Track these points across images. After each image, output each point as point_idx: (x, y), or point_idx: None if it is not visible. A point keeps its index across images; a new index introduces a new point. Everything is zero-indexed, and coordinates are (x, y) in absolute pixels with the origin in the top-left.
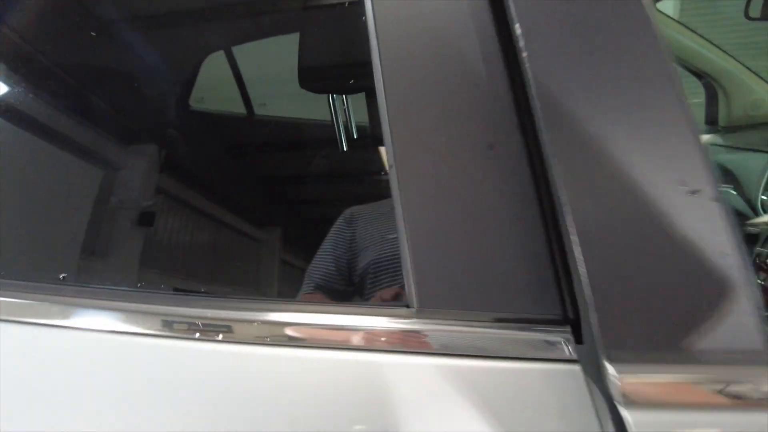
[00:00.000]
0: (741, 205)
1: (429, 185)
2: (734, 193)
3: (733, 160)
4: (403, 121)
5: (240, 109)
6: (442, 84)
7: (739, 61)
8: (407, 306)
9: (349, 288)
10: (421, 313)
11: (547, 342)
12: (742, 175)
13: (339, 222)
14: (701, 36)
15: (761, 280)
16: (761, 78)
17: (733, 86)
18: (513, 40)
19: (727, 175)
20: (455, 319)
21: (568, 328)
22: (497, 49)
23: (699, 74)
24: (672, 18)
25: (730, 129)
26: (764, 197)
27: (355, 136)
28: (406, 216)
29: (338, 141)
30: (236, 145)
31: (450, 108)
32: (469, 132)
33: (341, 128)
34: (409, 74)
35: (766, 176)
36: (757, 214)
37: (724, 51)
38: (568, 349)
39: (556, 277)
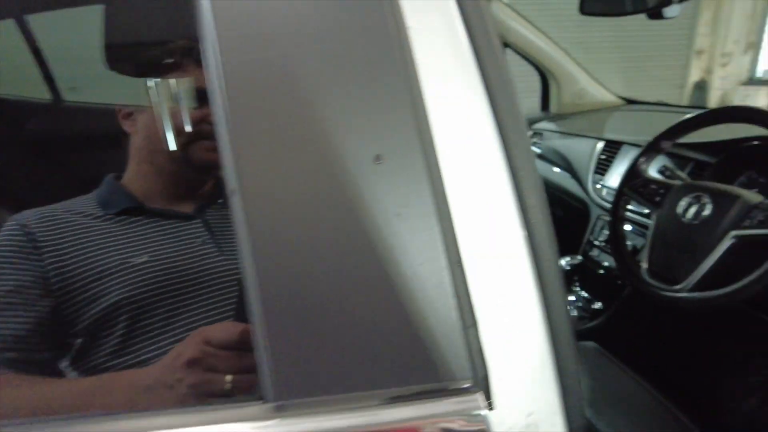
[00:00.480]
0: (575, 187)
1: (290, 223)
2: (567, 174)
3: (565, 144)
4: (248, 127)
5: (41, 93)
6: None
7: (567, 53)
8: (261, 399)
9: (60, 353)
10: (282, 410)
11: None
12: (573, 158)
13: (9, 243)
14: (538, 29)
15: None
16: (584, 69)
17: (562, 76)
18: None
19: (561, 159)
20: (330, 409)
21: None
22: None
23: (535, 64)
24: (515, 10)
25: (561, 116)
26: (594, 180)
27: (189, 129)
28: (258, 267)
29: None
30: (36, 137)
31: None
32: (353, 144)
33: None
34: (257, 64)
35: (593, 160)
36: (588, 195)
37: (555, 43)
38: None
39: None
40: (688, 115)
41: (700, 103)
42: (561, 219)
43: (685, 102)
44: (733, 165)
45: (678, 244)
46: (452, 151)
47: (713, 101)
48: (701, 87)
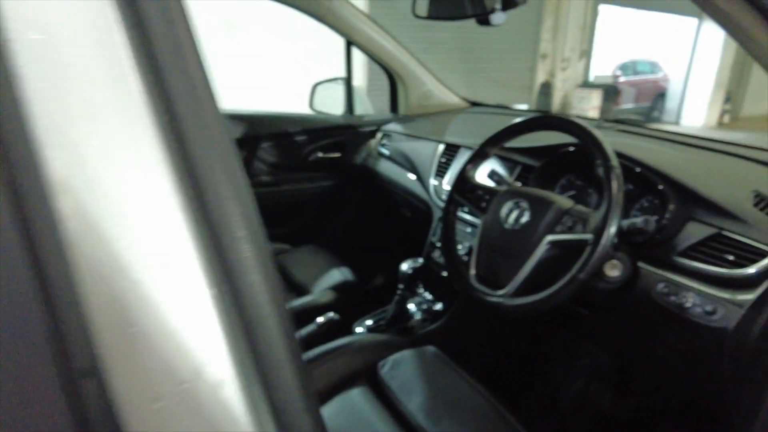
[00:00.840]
0: (420, 189)
1: None
2: (413, 177)
3: (410, 146)
4: None
5: None
6: None
7: (413, 55)
8: None
9: None
10: None
11: None
12: (417, 161)
13: None
14: (387, 32)
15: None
16: (429, 71)
17: (408, 78)
18: None
19: (407, 161)
20: None
21: None
22: None
23: (382, 65)
24: (363, 13)
25: (409, 117)
26: (435, 182)
27: None
28: None
29: None
30: None
31: None
32: None
33: None
34: None
35: (434, 162)
36: (429, 197)
37: (401, 44)
38: None
39: None
40: (509, 124)
41: (544, 104)
42: (409, 220)
43: (532, 102)
44: (554, 169)
45: (501, 250)
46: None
47: (557, 101)
48: (546, 88)
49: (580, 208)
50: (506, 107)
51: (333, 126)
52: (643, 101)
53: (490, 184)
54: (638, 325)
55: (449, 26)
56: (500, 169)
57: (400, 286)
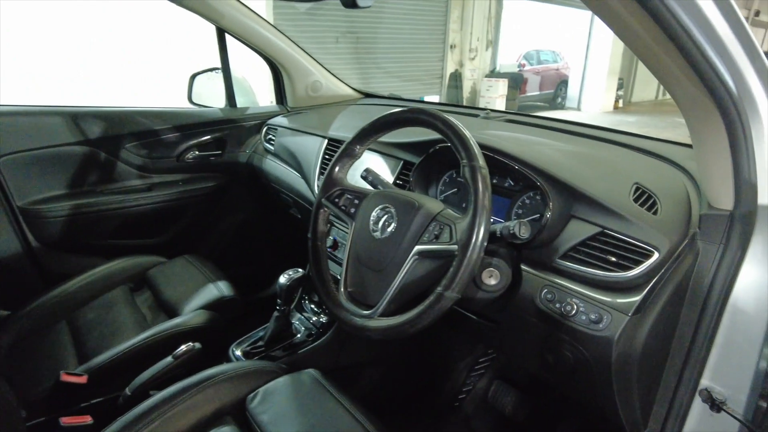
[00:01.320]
0: (305, 188)
1: None
2: (296, 174)
3: (296, 142)
4: None
5: None
6: None
7: (298, 46)
8: None
9: None
10: None
11: None
12: (302, 157)
13: None
14: (268, 22)
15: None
16: (317, 61)
17: (292, 68)
18: None
19: (292, 158)
20: None
21: None
22: None
23: (263, 55)
24: (244, 5)
25: (297, 111)
26: (320, 182)
27: None
28: None
29: None
30: None
31: None
32: None
33: None
34: None
35: (318, 159)
36: (313, 194)
37: (287, 36)
38: None
39: None
40: (373, 119)
41: (455, 94)
42: (300, 223)
43: (443, 92)
44: (435, 164)
45: (370, 263)
46: None
47: (466, 91)
48: (456, 78)
49: (449, 213)
50: (398, 98)
51: (211, 121)
52: (546, 89)
53: (365, 185)
54: (525, 332)
55: (359, 16)
56: (378, 168)
57: (279, 301)
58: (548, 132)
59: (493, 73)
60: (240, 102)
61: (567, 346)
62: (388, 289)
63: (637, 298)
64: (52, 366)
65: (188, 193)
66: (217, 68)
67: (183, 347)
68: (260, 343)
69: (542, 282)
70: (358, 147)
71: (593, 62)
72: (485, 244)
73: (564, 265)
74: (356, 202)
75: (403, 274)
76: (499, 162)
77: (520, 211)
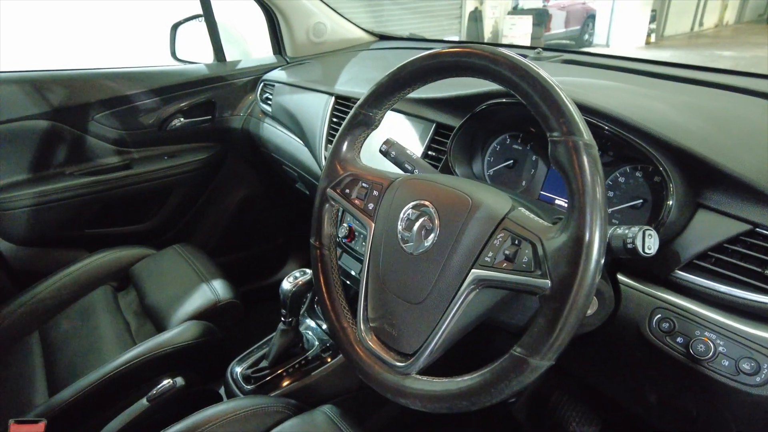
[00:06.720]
0: (310, 159)
1: None
2: (299, 141)
3: (295, 100)
4: None
5: None
6: None
7: None
8: None
9: None
10: None
11: None
12: (304, 120)
13: None
14: None
15: None
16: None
17: (291, 10)
18: None
19: (292, 121)
20: None
21: None
22: None
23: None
24: None
25: (298, 61)
26: (327, 153)
27: None
28: None
29: None
30: None
31: None
32: None
33: None
34: None
35: (325, 122)
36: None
37: None
38: None
39: None
40: (396, 68)
41: (475, 32)
42: (310, 198)
43: (463, 32)
44: (480, 128)
45: (402, 291)
46: None
47: (488, 30)
48: (476, 16)
49: (525, 216)
50: (418, 39)
51: (196, 80)
52: (573, 25)
53: (385, 163)
54: (618, 360)
55: None
56: (403, 136)
57: (283, 311)
58: (624, 76)
59: (516, 10)
60: (232, 55)
61: (690, 395)
62: (432, 333)
63: None
64: (14, 397)
65: (175, 168)
66: (200, 15)
67: (160, 385)
68: (264, 362)
69: (653, 303)
70: (374, 112)
71: None
72: (599, 279)
73: (689, 280)
74: (375, 193)
75: (455, 312)
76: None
77: (611, 195)
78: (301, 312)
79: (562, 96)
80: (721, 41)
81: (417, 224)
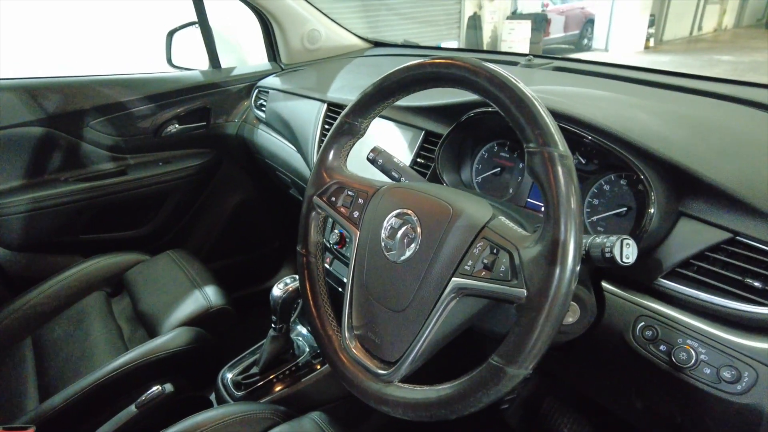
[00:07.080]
0: (300, 163)
1: None
2: (292, 148)
3: (289, 107)
4: None
5: None
6: None
7: None
8: None
9: None
10: None
11: None
12: (297, 127)
13: None
14: None
15: None
16: (312, 5)
17: (286, 17)
18: None
19: (286, 128)
20: None
21: None
22: None
23: (250, 5)
24: None
25: (292, 68)
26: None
27: None
28: None
29: None
30: None
31: None
32: None
33: None
34: None
35: (317, 129)
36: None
37: None
38: None
39: None
40: (379, 79)
41: (475, 38)
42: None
43: (462, 38)
44: (469, 135)
45: (385, 298)
46: None
47: (487, 35)
48: (475, 21)
49: (504, 225)
50: (413, 45)
51: (191, 86)
52: (572, 29)
53: (372, 171)
54: (604, 367)
55: None
56: (391, 143)
57: (273, 318)
58: (614, 84)
59: (514, 15)
60: (228, 61)
61: (674, 402)
62: (414, 341)
63: None
64: (5, 403)
65: (170, 174)
66: (195, 22)
67: (149, 392)
68: (255, 368)
69: (637, 311)
70: (360, 121)
71: None
72: (574, 288)
73: (671, 288)
74: (360, 201)
75: (436, 320)
76: (571, 135)
77: (596, 202)
78: (292, 319)
79: (538, 107)
80: (720, 45)
81: (400, 232)
